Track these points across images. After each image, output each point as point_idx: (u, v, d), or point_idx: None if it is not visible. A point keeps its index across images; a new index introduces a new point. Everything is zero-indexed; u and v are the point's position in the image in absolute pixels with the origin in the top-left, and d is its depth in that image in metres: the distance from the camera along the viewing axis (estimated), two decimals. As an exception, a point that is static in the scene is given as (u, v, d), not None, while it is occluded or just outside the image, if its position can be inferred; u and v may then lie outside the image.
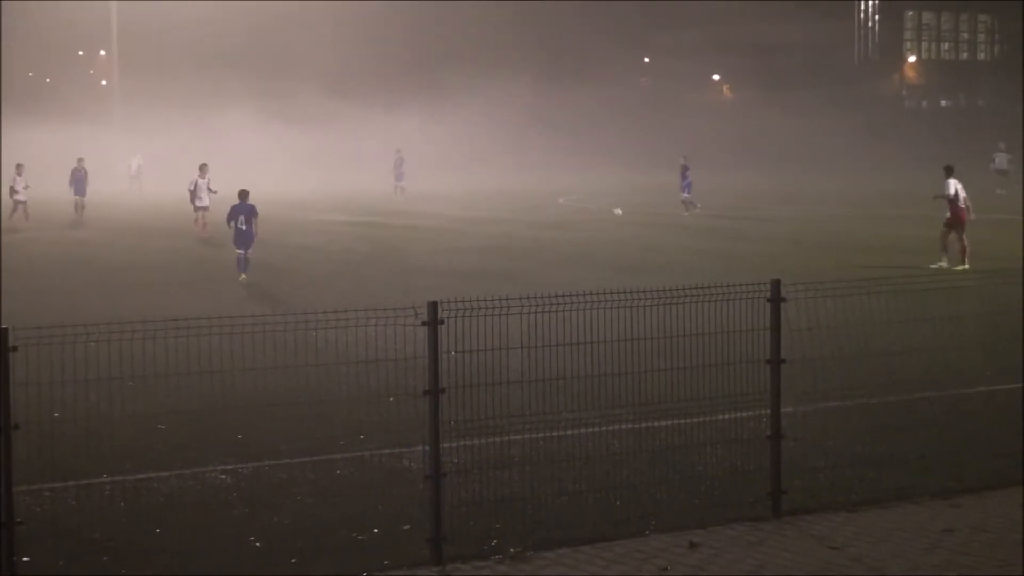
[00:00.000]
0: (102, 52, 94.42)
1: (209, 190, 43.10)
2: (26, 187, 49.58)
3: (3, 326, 9.98)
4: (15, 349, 9.93)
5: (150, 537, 11.57)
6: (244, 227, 30.29)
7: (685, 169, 53.31)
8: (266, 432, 14.92)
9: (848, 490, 12.77)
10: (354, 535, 11.61)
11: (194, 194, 43.46)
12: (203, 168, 43.64)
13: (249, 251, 30.32)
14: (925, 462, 13.64)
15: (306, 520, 12.05)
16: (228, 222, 31.16)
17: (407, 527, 11.69)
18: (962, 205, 32.43)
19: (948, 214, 32.56)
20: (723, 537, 11.48)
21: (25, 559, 10.46)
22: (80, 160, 54.06)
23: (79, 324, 11.40)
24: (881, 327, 14.60)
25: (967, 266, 30.74)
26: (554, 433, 13.16)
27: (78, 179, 52.96)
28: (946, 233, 32.28)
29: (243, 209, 30.58)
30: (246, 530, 11.75)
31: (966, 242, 31.83)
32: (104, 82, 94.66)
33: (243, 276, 29.81)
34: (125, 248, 39.47)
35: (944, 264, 31.16)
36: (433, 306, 11.08)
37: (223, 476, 13.46)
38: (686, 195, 52.99)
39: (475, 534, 11.35)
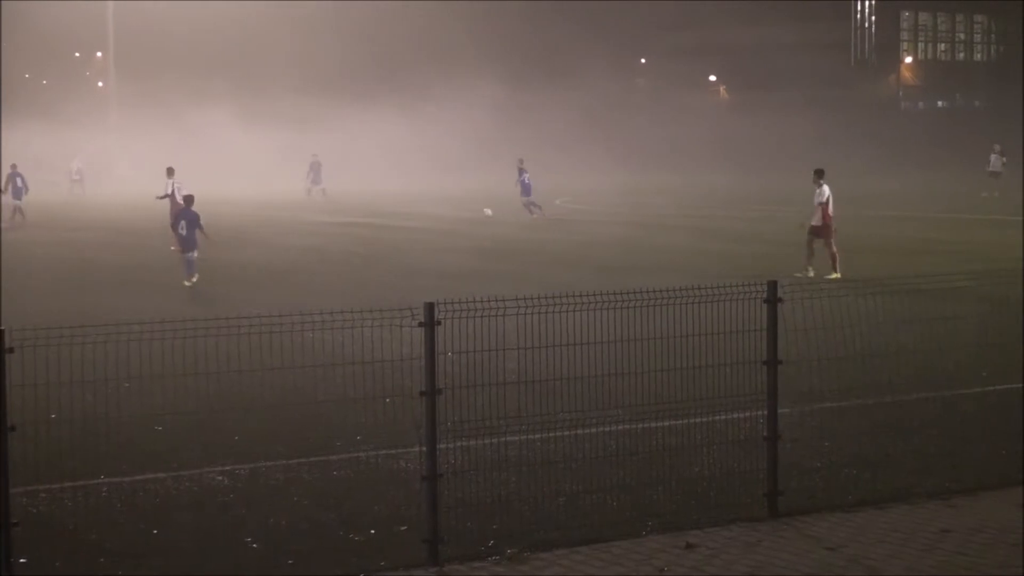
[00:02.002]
0: (99, 54, 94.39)
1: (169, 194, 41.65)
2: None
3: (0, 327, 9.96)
4: (12, 351, 9.92)
5: (147, 538, 11.58)
6: (184, 232, 30.40)
7: (522, 172, 51.64)
8: (263, 433, 14.93)
9: (845, 491, 12.78)
10: (351, 536, 11.62)
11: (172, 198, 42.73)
12: (170, 171, 42.82)
13: (194, 255, 30.28)
14: (922, 463, 13.66)
15: (303, 521, 12.05)
16: (173, 228, 31.94)
17: (404, 528, 11.69)
18: (831, 212, 30.97)
19: (815, 222, 30.92)
20: (720, 538, 11.48)
21: (22, 560, 10.46)
22: (13, 165, 53.17)
23: (75, 325, 11.40)
24: (877, 327, 14.63)
25: (838, 274, 29.53)
26: (551, 434, 13.16)
27: (15, 184, 52.03)
28: (811, 241, 30.74)
29: (187, 215, 30.74)
30: (243, 531, 11.75)
31: (835, 249, 30.38)
32: (101, 84, 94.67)
33: (191, 280, 29.74)
34: (121, 248, 39.45)
35: (810, 274, 29.65)
36: (429, 307, 11.09)
37: (220, 477, 13.46)
38: (527, 198, 50.94)
39: (472, 535, 11.37)
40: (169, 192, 40.91)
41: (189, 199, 31.57)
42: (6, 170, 51.93)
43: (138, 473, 13.47)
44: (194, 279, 29.76)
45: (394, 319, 11.42)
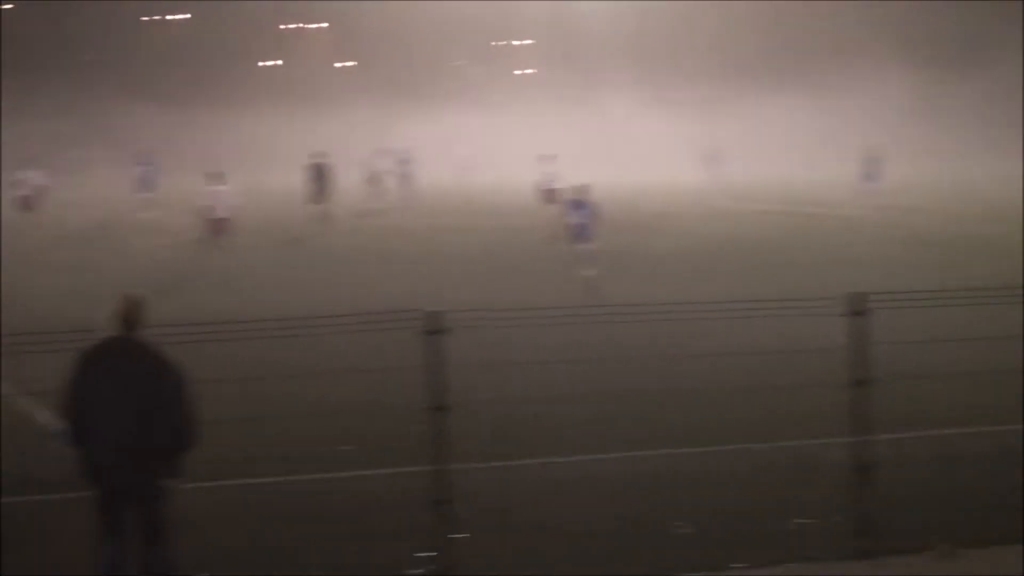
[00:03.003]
0: (519, 42, 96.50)
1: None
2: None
3: (438, 309, 10.30)
4: (444, 332, 10.25)
5: (575, 518, 11.72)
6: (578, 222, 29.25)
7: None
8: (689, 420, 14.93)
9: (944, 529, 11.28)
10: (780, 524, 11.48)
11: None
12: (546, 159, 42.07)
13: (590, 246, 29.13)
14: None
15: (730, 507, 11.99)
16: (567, 218, 30.11)
17: (837, 519, 11.45)
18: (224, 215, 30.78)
19: None
20: None
21: (456, 536, 10.82)
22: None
23: (508, 308, 11.74)
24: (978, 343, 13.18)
25: None
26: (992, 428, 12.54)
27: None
28: None
29: (580, 206, 29.76)
30: (673, 516, 11.76)
31: None
32: (520, 72, 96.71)
33: (589, 272, 28.98)
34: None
35: None
36: (859, 297, 10.78)
37: (649, 462, 13.51)
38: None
39: (905, 528, 11.03)
40: (543, 179, 41.43)
41: (583, 189, 30.38)
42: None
43: (572, 454, 13.66)
44: (591, 271, 28.45)
45: (819, 306, 11.16)
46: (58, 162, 78.69)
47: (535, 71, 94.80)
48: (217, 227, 31.14)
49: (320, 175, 41.03)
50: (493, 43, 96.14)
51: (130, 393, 8.93)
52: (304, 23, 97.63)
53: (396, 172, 52.45)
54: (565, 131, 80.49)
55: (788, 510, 11.82)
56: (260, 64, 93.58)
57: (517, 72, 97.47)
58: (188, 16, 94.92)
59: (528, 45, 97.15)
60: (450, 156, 72.93)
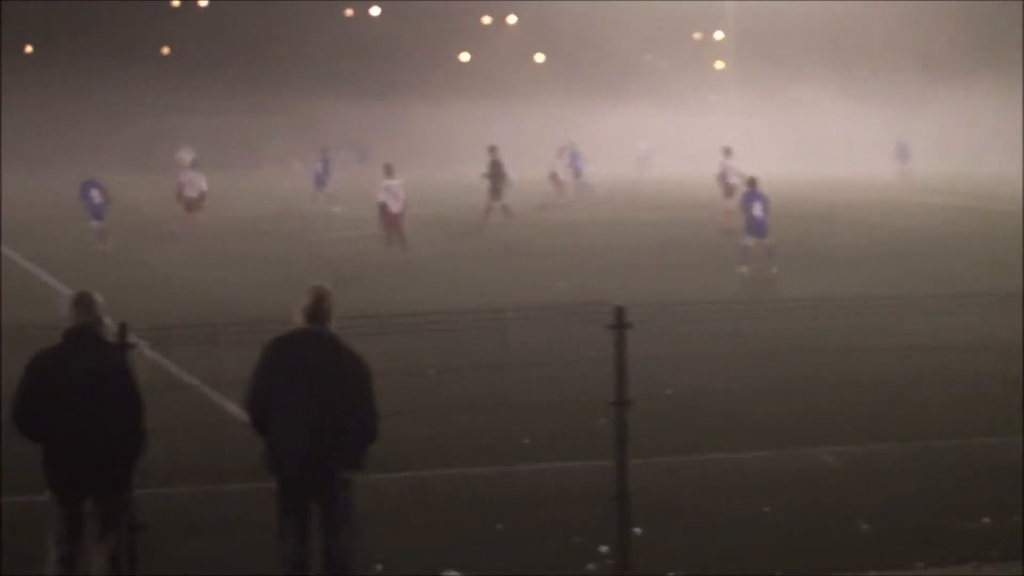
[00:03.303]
0: (718, 35, 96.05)
1: None
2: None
3: (620, 304, 10.30)
4: (630, 326, 10.24)
5: (758, 514, 11.66)
6: (756, 215, 28.65)
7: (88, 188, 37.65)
8: (875, 414, 14.73)
9: None
10: (963, 523, 11.26)
11: None
12: (727, 151, 41.77)
13: (768, 240, 28.59)
14: None
15: (912, 505, 11.82)
16: (744, 209, 29.48)
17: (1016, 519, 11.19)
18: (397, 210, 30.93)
19: None
20: None
21: (636, 531, 10.82)
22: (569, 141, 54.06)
23: (688, 303, 11.70)
24: None
25: None
26: None
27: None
28: None
29: (757, 196, 29.03)
30: (853, 512, 11.63)
31: None
32: (718, 65, 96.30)
33: (770, 267, 28.19)
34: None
35: None
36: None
37: (831, 457, 13.38)
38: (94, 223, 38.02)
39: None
40: (722, 172, 40.85)
41: (754, 180, 29.75)
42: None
43: (750, 449, 13.60)
44: (772, 267, 28.05)
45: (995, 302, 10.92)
46: (259, 157, 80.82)
47: (723, 65, 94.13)
48: (391, 221, 31.37)
49: (496, 170, 41.08)
50: (682, 37, 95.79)
51: (315, 385, 9.05)
52: (494, 17, 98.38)
53: (569, 167, 52.36)
54: (750, 124, 79.81)
55: (966, 509, 11.57)
56: (450, 58, 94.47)
57: (705, 65, 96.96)
58: (379, 11, 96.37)
59: (714, 39, 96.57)
60: (632, 150, 72.85)
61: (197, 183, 39.02)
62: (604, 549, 10.57)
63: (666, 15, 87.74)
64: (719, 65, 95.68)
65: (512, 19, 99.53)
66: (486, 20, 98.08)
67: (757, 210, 28.76)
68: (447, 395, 11.24)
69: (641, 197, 52.06)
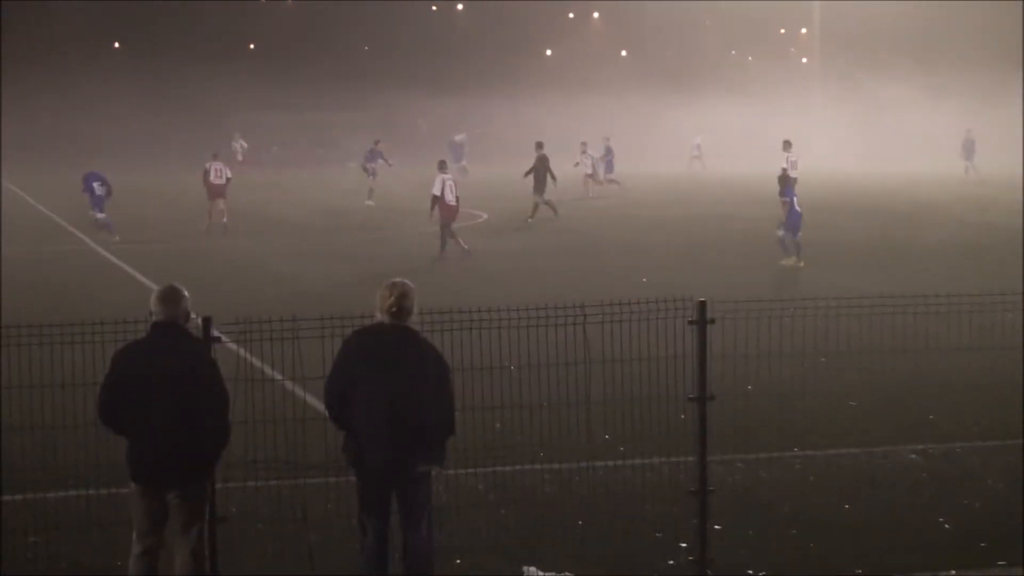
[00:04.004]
0: (803, 30, 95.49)
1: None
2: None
3: (703, 299, 10.27)
4: (712, 322, 10.22)
5: (838, 513, 11.61)
6: (798, 211, 28.57)
7: (90, 180, 37.68)
8: (958, 413, 14.59)
9: None
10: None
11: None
12: (786, 144, 41.61)
13: (786, 234, 28.52)
14: None
15: (997, 505, 11.69)
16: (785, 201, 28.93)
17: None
18: (453, 203, 31.24)
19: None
20: None
21: (716, 527, 10.78)
22: (606, 138, 54.98)
23: (775, 299, 11.63)
24: None
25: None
26: None
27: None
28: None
29: (790, 193, 28.76)
30: (936, 512, 11.54)
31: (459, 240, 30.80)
32: (804, 60, 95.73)
33: (790, 260, 28.30)
34: (814, 225, 39.60)
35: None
36: None
37: (913, 456, 13.29)
38: (99, 215, 37.92)
39: None
40: (785, 167, 40.67)
41: (786, 179, 29.39)
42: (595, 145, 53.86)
43: (831, 447, 13.54)
44: (792, 261, 28.16)
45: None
46: (344, 152, 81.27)
47: (803, 60, 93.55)
48: (449, 213, 31.58)
49: (541, 166, 41.25)
50: (768, 33, 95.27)
51: (395, 379, 9.09)
52: (578, 14, 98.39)
53: (603, 161, 53.98)
54: (833, 120, 79.31)
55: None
56: (533, 53, 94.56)
57: (790, 61, 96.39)
58: (461, 7, 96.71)
59: (800, 35, 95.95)
60: (707, 146, 72.42)
61: (224, 171, 40.26)
62: (683, 545, 10.56)
63: (750, 11, 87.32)
64: (804, 60, 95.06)
65: (596, 15, 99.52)
66: (568, 16, 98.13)
67: (797, 205, 28.87)
68: (526, 391, 11.24)
69: (724, 192, 51.82)
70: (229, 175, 40.72)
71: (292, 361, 9.98)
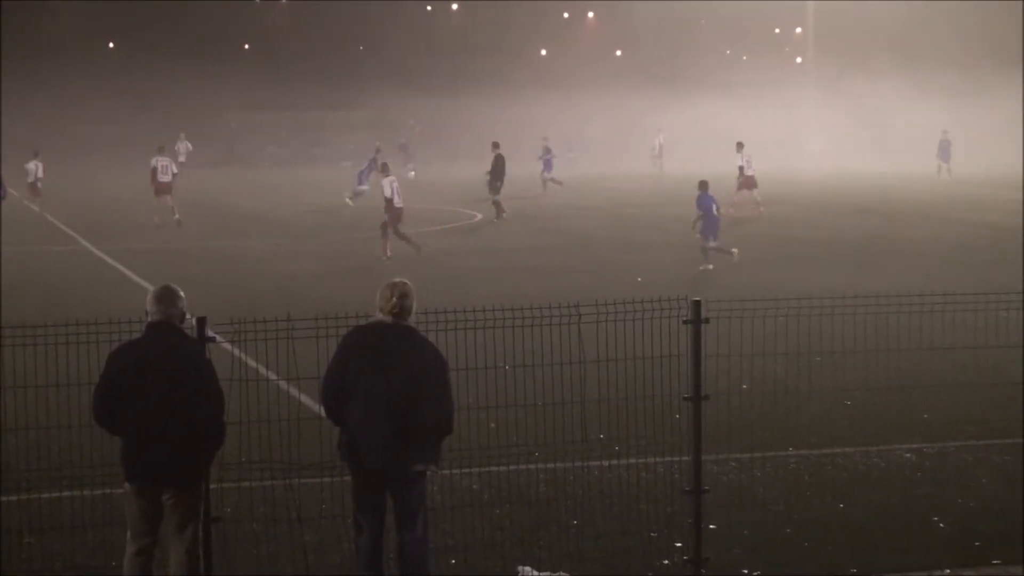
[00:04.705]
0: (798, 30, 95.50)
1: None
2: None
3: (697, 299, 10.28)
4: (707, 321, 10.23)
5: (833, 512, 11.62)
6: (716, 216, 28.48)
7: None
8: (953, 412, 14.61)
9: None
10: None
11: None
12: (739, 146, 42.28)
13: (715, 241, 28.36)
14: None
15: (991, 503, 11.71)
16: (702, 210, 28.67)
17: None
18: (399, 205, 31.34)
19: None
20: None
21: (711, 526, 10.79)
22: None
23: (769, 298, 11.63)
24: None
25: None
26: None
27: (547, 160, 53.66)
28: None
29: (709, 200, 28.52)
30: (930, 510, 11.56)
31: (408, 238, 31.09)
32: (799, 60, 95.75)
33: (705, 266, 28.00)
34: (812, 224, 39.68)
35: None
36: None
37: (908, 455, 13.31)
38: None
39: None
40: (741, 165, 41.58)
41: (704, 184, 28.88)
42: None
43: (826, 447, 13.55)
44: (708, 266, 28.02)
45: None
46: (338, 151, 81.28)
47: (802, 60, 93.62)
48: (396, 215, 31.63)
49: (498, 165, 41.31)
50: (762, 32, 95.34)
51: (392, 377, 9.08)
52: (572, 14, 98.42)
53: (542, 160, 54.05)
54: (827, 118, 79.36)
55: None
56: (528, 53, 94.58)
57: (784, 61, 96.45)
58: (456, 7, 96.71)
59: (794, 35, 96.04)
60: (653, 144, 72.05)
61: (170, 168, 40.91)
62: (678, 545, 10.56)
63: (744, 11, 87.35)
64: (798, 60, 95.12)
65: (591, 14, 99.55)
66: (565, 15, 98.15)
67: (715, 211, 28.64)
68: (521, 390, 11.24)
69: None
70: (175, 171, 41.32)
71: (287, 361, 9.97)
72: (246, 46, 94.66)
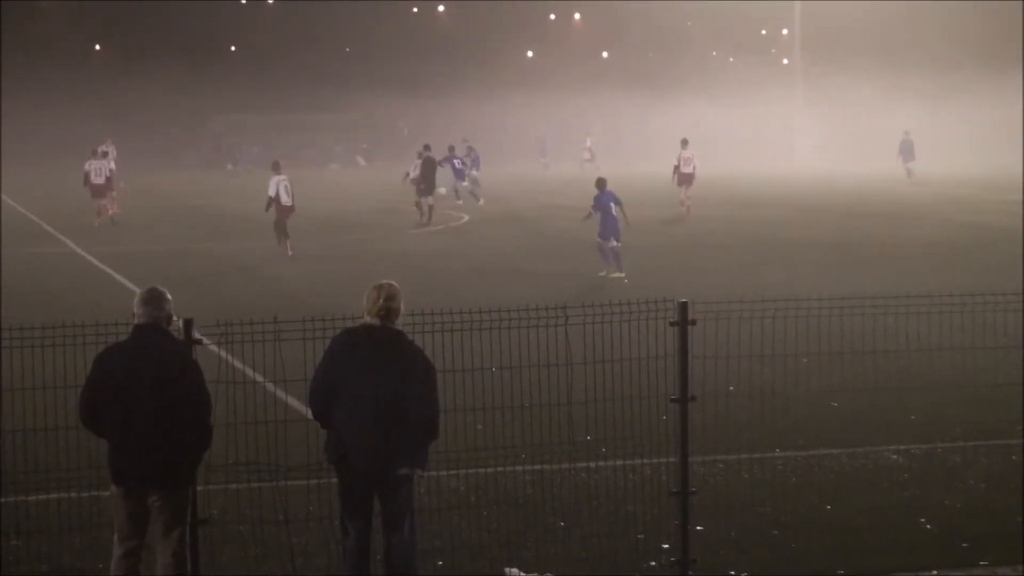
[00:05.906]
0: (784, 31, 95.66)
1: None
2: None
3: (684, 300, 10.29)
4: (694, 322, 10.23)
5: (820, 513, 11.64)
6: (615, 216, 27.42)
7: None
8: (939, 413, 14.63)
9: None
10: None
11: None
12: (684, 143, 42.89)
13: (616, 243, 27.42)
14: None
15: (979, 504, 11.73)
16: (593, 212, 28.02)
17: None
18: (288, 203, 32.47)
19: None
20: None
21: (698, 528, 10.79)
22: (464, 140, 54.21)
23: (756, 300, 11.64)
24: None
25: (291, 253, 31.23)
26: None
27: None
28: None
29: (608, 198, 27.57)
30: (917, 511, 11.58)
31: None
32: (785, 61, 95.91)
33: (609, 272, 27.19)
34: (799, 225, 39.76)
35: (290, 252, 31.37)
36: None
37: (895, 456, 13.33)
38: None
39: None
40: (676, 163, 42.53)
41: (602, 181, 28.13)
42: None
43: (812, 448, 13.57)
44: (615, 274, 27.12)
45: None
46: (326, 153, 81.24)
47: (788, 61, 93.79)
48: (285, 213, 32.34)
49: (427, 168, 41.37)
50: (749, 34, 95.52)
51: (380, 380, 9.07)
52: (559, 16, 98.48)
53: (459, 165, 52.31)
54: (815, 120, 79.50)
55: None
56: (514, 54, 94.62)
57: (771, 62, 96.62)
58: (442, 9, 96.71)
59: (781, 36, 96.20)
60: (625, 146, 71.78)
61: (103, 170, 40.99)
62: (665, 546, 10.57)
63: (731, 13, 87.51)
64: (785, 61, 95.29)
65: (577, 16, 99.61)
66: (551, 17, 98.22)
67: (614, 211, 27.62)
68: (508, 392, 11.24)
69: (704, 192, 51.85)
70: (109, 172, 41.34)
71: (274, 363, 9.96)
72: (232, 48, 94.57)
